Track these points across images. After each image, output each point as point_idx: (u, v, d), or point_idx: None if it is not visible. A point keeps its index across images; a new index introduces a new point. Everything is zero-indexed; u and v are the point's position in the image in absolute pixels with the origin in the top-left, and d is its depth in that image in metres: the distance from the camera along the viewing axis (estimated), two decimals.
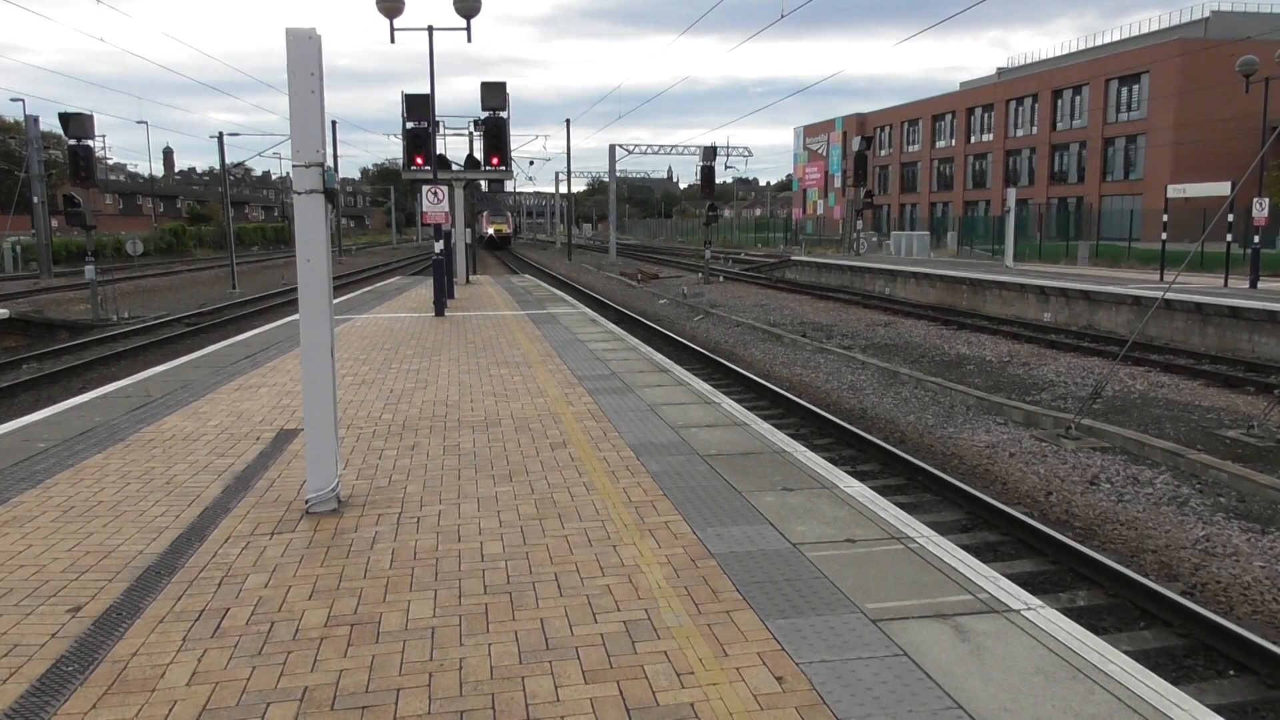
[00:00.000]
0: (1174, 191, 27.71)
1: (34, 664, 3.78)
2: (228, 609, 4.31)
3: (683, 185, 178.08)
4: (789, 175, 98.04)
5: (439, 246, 18.56)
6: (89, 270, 26.39)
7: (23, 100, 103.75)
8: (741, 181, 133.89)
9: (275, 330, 15.62)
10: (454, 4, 18.28)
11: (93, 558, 4.96)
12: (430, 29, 18.87)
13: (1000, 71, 78.81)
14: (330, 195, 5.57)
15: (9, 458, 7.03)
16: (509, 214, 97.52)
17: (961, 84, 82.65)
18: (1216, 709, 3.90)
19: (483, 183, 29.59)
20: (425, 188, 17.85)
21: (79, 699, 3.51)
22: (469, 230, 30.47)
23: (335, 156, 66.65)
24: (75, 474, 6.59)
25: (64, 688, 3.59)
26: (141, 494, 6.10)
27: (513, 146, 23.65)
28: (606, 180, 79.75)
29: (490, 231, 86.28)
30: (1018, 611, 4.25)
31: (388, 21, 17.93)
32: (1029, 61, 75.84)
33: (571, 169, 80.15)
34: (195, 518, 5.62)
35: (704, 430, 7.85)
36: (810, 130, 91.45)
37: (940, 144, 78.93)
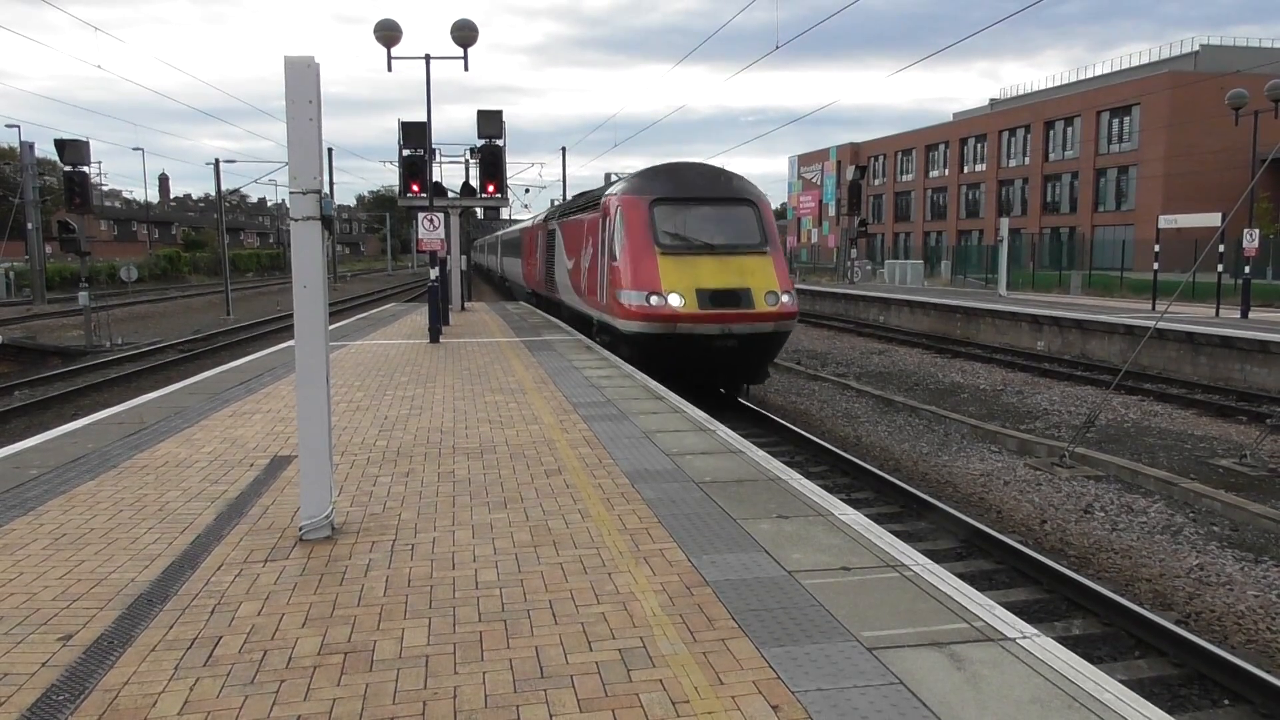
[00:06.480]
0: (1165, 222, 27.91)
1: (24, 693, 3.75)
2: (220, 637, 4.29)
3: None
4: (783, 204, 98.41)
5: (435, 273, 18.60)
6: (83, 296, 26.39)
7: (18, 126, 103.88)
8: None
9: (270, 356, 15.61)
10: (451, 33, 18.44)
11: (84, 585, 4.93)
12: (428, 58, 19.02)
13: (993, 102, 79.57)
14: (327, 222, 5.58)
15: (1, 484, 6.99)
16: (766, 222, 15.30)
17: (955, 114, 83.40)
18: None
19: (478, 210, 29.62)
20: (421, 215, 17.91)
21: None
22: (465, 258, 30.08)
23: (331, 183, 66.20)
24: (67, 501, 6.56)
25: (54, 717, 3.56)
26: (134, 521, 6.07)
27: (509, 174, 23.73)
28: None
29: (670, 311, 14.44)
30: (1013, 640, 4.25)
31: (385, 50, 18.08)
32: (1021, 93, 76.60)
33: (567, 198, 77.90)
34: (188, 545, 5.59)
35: (699, 457, 7.85)
36: (804, 159, 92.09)
37: (934, 173, 79.47)
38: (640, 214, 14.91)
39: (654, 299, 13.94)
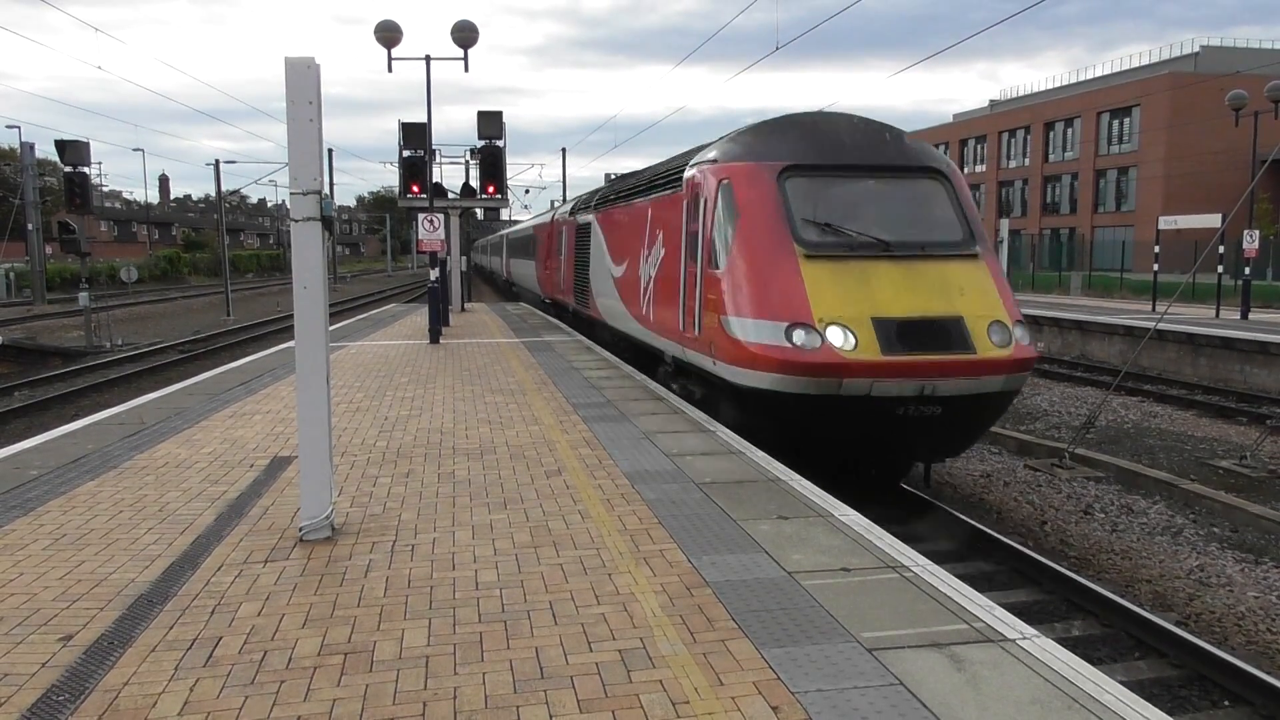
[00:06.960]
0: (1165, 223, 27.94)
1: (24, 693, 3.75)
2: (220, 638, 4.29)
3: None
4: None
5: (434, 274, 18.60)
6: (83, 297, 26.41)
7: (19, 127, 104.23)
8: None
9: (270, 357, 15.61)
10: (451, 34, 18.44)
11: (84, 586, 4.93)
12: (428, 59, 19.02)
13: (993, 104, 79.54)
14: (327, 222, 5.59)
15: (1, 485, 7.00)
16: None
17: (955, 116, 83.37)
18: None
19: (478, 210, 29.62)
20: (421, 215, 17.91)
21: None
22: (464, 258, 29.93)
23: (331, 184, 65.81)
24: (67, 501, 6.56)
25: (55, 717, 3.56)
26: (134, 522, 6.07)
27: (509, 175, 23.74)
28: None
29: None
30: (1013, 641, 4.25)
31: (385, 51, 18.08)
32: (1021, 94, 76.59)
33: (567, 198, 77.59)
34: (188, 545, 5.59)
35: (699, 458, 7.85)
36: None
37: None
38: (764, 192, 9.40)
39: (799, 335, 8.52)
